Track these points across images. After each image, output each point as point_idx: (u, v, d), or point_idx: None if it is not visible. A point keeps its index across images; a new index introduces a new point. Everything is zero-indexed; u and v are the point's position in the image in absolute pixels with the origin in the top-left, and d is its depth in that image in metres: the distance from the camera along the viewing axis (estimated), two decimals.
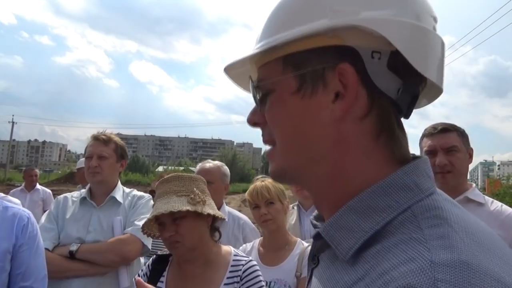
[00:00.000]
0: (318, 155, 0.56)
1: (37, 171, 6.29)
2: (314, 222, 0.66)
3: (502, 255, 0.45)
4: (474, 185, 2.03)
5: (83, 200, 2.26)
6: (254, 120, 0.63)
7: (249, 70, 0.64)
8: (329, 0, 0.53)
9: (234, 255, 1.62)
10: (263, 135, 0.63)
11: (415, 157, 0.57)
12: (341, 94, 0.53)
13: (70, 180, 32.00)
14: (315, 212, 0.69)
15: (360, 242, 0.50)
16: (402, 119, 0.59)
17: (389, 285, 0.41)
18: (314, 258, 0.62)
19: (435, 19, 0.57)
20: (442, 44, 0.57)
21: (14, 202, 2.58)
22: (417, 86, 0.56)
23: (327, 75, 0.53)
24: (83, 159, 5.94)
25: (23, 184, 6.09)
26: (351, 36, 0.52)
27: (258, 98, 0.61)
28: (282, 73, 0.57)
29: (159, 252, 1.74)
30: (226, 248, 1.67)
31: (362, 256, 0.49)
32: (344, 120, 0.54)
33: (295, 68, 0.56)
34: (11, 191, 6.14)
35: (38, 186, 6.06)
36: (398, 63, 0.52)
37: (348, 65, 0.52)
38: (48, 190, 6.16)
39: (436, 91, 0.61)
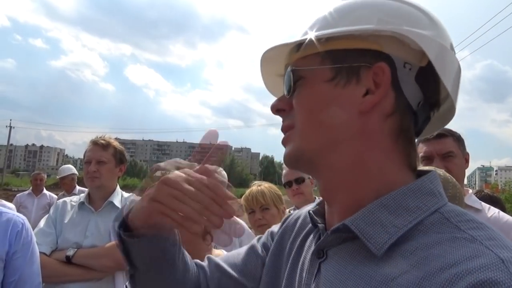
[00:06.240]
0: (339, 141, 0.59)
1: (44, 175, 6.13)
2: (316, 218, 0.67)
3: None
4: (470, 191, 2.03)
5: (81, 205, 2.26)
6: (279, 106, 0.67)
7: (279, 60, 0.69)
8: (377, 11, 0.61)
9: None
10: (283, 121, 0.66)
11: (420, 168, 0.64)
12: (371, 91, 0.59)
13: None
14: (313, 208, 0.70)
15: (395, 238, 0.53)
16: None
17: (465, 278, 0.43)
18: (320, 252, 0.63)
19: (452, 47, 0.64)
20: (459, 68, 0.65)
21: (8, 207, 2.55)
22: (433, 106, 0.64)
23: (361, 72, 0.59)
24: (64, 167, 5.89)
25: (30, 188, 6.02)
26: (389, 45, 0.59)
27: (290, 83, 0.64)
28: (320, 64, 0.62)
29: None
30: (218, 252, 1.65)
31: (395, 251, 0.52)
32: (371, 114, 0.59)
33: (333, 62, 0.61)
34: (18, 195, 6.10)
35: (45, 191, 5.99)
36: (425, 78, 0.60)
37: (386, 65, 0.58)
38: (54, 195, 6.06)
39: (439, 122, 0.69)
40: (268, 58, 0.70)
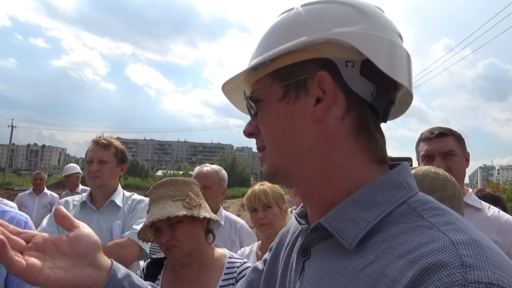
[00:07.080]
0: (303, 151, 0.63)
1: (44, 175, 6.20)
2: (299, 219, 0.71)
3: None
4: (470, 190, 2.03)
5: (83, 204, 2.27)
6: (249, 131, 0.71)
7: (243, 87, 0.72)
8: (306, 21, 0.62)
9: (229, 258, 1.62)
10: (257, 143, 0.70)
11: (393, 158, 0.66)
12: (321, 98, 0.61)
13: None
14: (298, 210, 0.73)
15: (364, 231, 0.56)
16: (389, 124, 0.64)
17: (417, 263, 0.46)
18: (304, 251, 0.67)
19: (400, 36, 0.66)
20: (408, 54, 0.66)
21: (10, 206, 2.56)
22: (390, 91, 0.64)
23: (308, 84, 0.62)
24: (69, 165, 5.95)
25: (31, 188, 6.07)
26: (327, 50, 0.61)
27: (251, 109, 0.69)
28: (270, 85, 0.65)
29: (153, 256, 1.74)
30: (220, 250, 1.67)
31: (366, 244, 0.55)
32: (326, 120, 0.61)
33: (281, 80, 0.64)
34: (19, 194, 6.16)
35: (46, 190, 6.03)
36: (369, 70, 0.60)
37: (325, 72, 0.60)
38: (55, 195, 6.09)
39: (408, 100, 0.69)
40: (230, 89, 0.73)
